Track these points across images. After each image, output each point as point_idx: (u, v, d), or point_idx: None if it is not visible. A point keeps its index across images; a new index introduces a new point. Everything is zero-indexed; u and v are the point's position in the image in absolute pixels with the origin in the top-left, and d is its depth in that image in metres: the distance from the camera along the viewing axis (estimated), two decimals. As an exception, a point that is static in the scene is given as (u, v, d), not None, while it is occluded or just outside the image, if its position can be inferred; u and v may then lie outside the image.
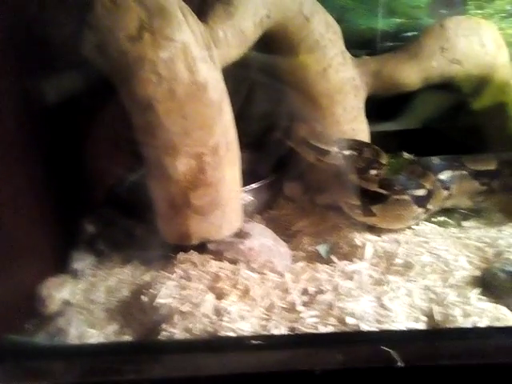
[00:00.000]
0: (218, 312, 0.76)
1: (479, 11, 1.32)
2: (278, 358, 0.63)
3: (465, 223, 1.06)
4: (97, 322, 0.84)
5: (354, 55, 1.27)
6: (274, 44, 1.15)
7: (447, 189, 1.04)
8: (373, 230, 1.01)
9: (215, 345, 0.69)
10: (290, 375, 0.60)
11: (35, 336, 0.79)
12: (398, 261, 0.89)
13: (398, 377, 0.59)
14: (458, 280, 0.82)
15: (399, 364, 0.58)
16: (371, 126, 1.29)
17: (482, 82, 1.23)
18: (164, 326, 0.75)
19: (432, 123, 1.31)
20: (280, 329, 0.72)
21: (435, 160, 1.08)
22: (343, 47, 1.22)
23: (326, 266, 0.91)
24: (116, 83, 0.87)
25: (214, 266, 0.90)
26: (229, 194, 0.96)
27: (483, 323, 0.69)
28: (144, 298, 0.83)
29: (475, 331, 0.67)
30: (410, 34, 1.34)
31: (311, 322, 0.73)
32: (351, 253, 0.95)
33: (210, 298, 0.80)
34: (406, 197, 0.96)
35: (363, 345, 0.65)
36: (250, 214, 1.16)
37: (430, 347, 0.63)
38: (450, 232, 1.02)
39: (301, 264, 0.94)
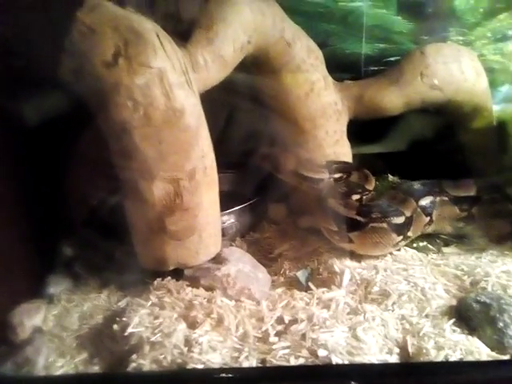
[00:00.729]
0: (189, 343, 0.74)
1: (461, 37, 1.33)
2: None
3: (445, 249, 1.06)
4: (67, 350, 0.82)
5: (339, 79, 1.28)
6: (256, 68, 1.16)
7: (428, 215, 1.03)
8: (353, 255, 0.99)
9: (183, 378, 0.67)
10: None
11: (1, 366, 0.77)
12: (375, 289, 0.88)
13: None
14: (434, 310, 0.81)
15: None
16: (354, 149, 1.30)
17: (462, 108, 1.24)
18: (134, 356, 0.73)
19: (414, 146, 1.31)
20: (251, 361, 0.71)
21: (416, 185, 1.08)
22: (325, 72, 1.23)
23: (304, 293, 0.90)
24: (92, 107, 0.87)
25: (189, 293, 0.89)
26: (206, 219, 0.95)
27: (455, 357, 0.68)
28: (116, 327, 0.81)
29: (446, 366, 0.65)
30: (393, 58, 1.35)
31: (283, 353, 0.71)
32: (330, 279, 0.94)
33: (183, 327, 0.78)
34: (384, 225, 0.95)
35: (333, 379, 0.63)
36: (231, 236, 1.15)
37: (400, 382, 0.61)
38: (430, 258, 1.01)
39: (279, 290, 0.93)
